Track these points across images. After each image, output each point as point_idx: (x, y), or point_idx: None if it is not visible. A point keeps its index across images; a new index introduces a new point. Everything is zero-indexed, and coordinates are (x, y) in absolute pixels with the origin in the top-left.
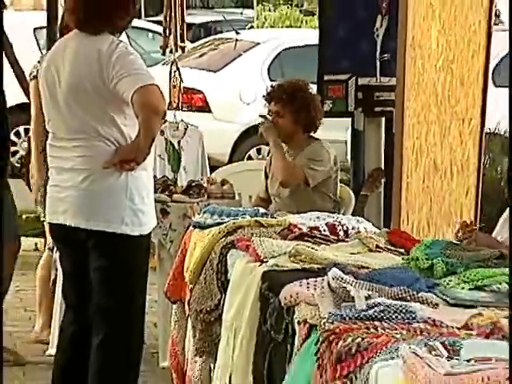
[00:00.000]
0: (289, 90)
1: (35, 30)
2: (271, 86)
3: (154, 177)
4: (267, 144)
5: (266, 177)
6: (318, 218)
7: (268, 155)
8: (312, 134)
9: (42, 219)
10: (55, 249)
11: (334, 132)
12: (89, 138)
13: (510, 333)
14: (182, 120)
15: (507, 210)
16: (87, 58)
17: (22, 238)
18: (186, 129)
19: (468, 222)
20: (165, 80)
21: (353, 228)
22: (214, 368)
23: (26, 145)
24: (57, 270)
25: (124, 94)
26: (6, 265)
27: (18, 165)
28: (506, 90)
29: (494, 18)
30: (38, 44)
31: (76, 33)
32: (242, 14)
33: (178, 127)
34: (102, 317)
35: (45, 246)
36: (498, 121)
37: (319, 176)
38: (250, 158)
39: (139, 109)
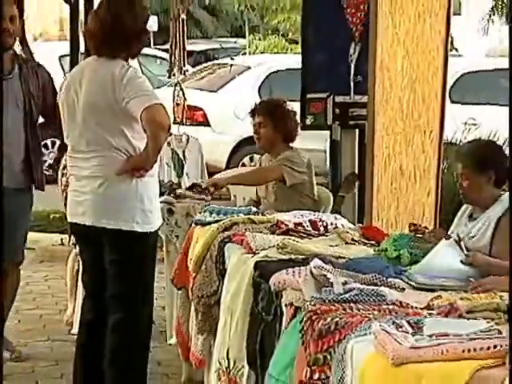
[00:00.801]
0: (270, 105)
1: (60, 57)
2: (255, 104)
3: (162, 181)
4: (259, 153)
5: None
6: (301, 215)
7: (258, 163)
8: (290, 144)
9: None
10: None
11: (315, 142)
12: (103, 149)
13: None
14: (184, 133)
15: (461, 208)
16: (102, 80)
17: (51, 235)
18: (188, 140)
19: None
20: (170, 99)
21: (331, 224)
22: (214, 344)
23: (52, 155)
24: (79, 262)
25: (134, 112)
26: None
27: (47, 172)
28: (461, 105)
29: (449, 44)
30: (62, 69)
31: (94, 58)
32: (235, 42)
33: (181, 139)
34: (117, 302)
35: (69, 242)
36: (454, 132)
37: (296, 176)
38: (243, 165)
39: (147, 125)
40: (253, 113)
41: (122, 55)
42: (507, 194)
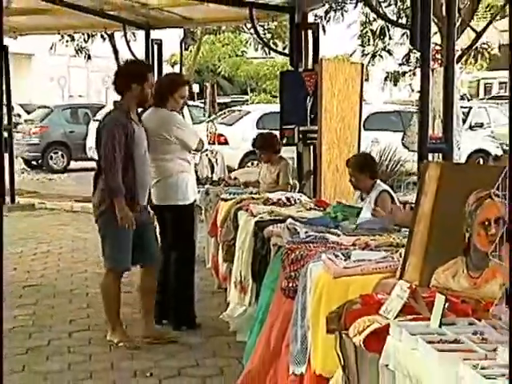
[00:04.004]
0: (265, 136)
1: None
2: (256, 135)
3: (201, 175)
4: (256, 159)
5: (259, 174)
6: (281, 194)
7: (258, 165)
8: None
9: None
10: None
11: (288, 153)
12: (158, 161)
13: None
14: (214, 149)
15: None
16: (158, 121)
17: None
18: (216, 153)
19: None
20: (205, 129)
21: (298, 199)
22: (232, 268)
23: None
24: None
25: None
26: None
27: None
28: (370, 131)
29: (363, 97)
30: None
31: (153, 107)
32: (242, 97)
33: (212, 152)
34: (176, 245)
35: None
36: (366, 146)
37: (287, 179)
38: (248, 166)
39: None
40: (253, 145)
41: (166, 106)
42: (379, 181)
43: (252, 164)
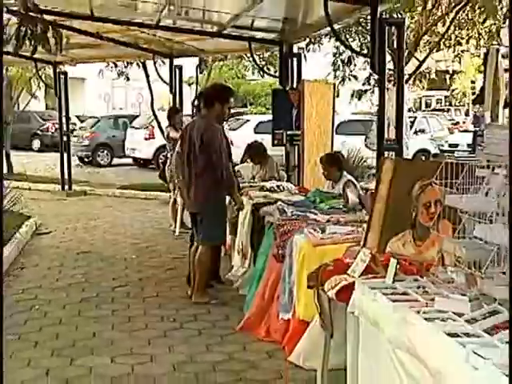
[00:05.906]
0: (253, 146)
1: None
2: (247, 146)
3: None
4: (252, 161)
5: (252, 169)
6: (273, 183)
7: (256, 164)
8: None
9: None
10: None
11: (279, 151)
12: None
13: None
14: None
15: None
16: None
17: (166, 193)
18: None
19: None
20: None
21: (286, 186)
22: (236, 239)
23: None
24: (174, 204)
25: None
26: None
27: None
28: (340, 135)
29: (335, 109)
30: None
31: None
32: (243, 109)
33: None
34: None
35: (170, 197)
36: (338, 147)
37: (271, 174)
38: (247, 162)
39: None
40: (245, 153)
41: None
42: (345, 172)
43: (251, 161)
